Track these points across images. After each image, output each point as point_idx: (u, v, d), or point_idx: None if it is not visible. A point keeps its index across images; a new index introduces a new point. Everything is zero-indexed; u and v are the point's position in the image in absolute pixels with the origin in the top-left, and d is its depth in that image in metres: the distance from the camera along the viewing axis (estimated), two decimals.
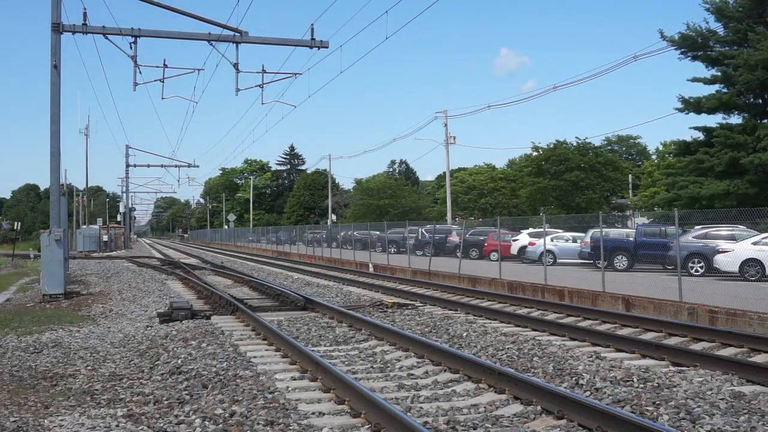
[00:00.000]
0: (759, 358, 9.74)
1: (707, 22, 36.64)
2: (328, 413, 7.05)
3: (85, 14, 20.52)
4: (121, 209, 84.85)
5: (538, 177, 51.55)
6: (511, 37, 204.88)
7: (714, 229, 22.49)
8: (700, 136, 37.29)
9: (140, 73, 22.60)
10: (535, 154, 54.13)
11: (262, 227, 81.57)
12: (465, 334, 11.96)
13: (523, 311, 15.26)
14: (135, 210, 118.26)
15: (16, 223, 64.36)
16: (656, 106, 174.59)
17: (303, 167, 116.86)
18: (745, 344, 10.52)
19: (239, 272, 27.58)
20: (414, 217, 65.55)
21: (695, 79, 37.07)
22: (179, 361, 9.71)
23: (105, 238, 60.26)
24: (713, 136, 35.08)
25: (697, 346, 10.73)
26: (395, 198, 74.58)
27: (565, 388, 7.82)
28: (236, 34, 21.62)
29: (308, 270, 30.63)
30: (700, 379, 8.32)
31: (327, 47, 22.49)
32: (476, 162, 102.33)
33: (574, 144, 51.90)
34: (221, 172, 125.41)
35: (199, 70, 24.33)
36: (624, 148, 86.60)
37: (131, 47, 21.42)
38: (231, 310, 15.02)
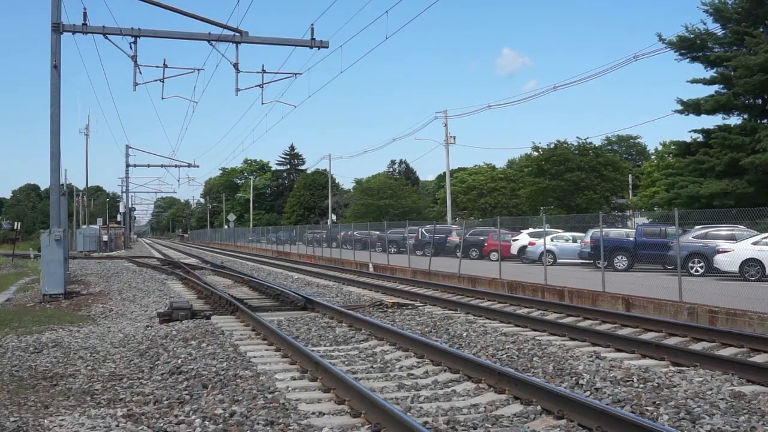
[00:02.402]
0: (759, 358, 9.74)
1: (705, 24, 36.70)
2: (328, 413, 7.05)
3: (85, 14, 20.55)
4: (121, 209, 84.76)
5: (538, 177, 51.55)
6: (514, 37, 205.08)
7: (714, 229, 22.48)
8: (699, 137, 37.31)
9: (140, 73, 22.62)
10: (535, 154, 54.12)
11: (262, 227, 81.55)
12: (465, 334, 11.95)
13: (523, 311, 15.26)
14: (135, 210, 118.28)
15: (16, 223, 64.31)
16: (656, 106, 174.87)
17: (303, 167, 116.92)
18: (745, 344, 10.52)
19: (239, 272, 27.57)
20: (414, 217, 65.55)
21: (694, 81, 37.11)
22: (179, 361, 9.71)
23: (105, 238, 60.26)
24: (712, 137, 35.08)
25: (697, 346, 10.72)
26: (395, 198, 74.58)
27: (565, 388, 7.81)
28: (236, 34, 21.62)
29: (308, 270, 30.63)
30: (700, 379, 8.31)
31: (327, 47, 22.49)
32: (476, 162, 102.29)
33: (575, 144, 51.92)
34: (221, 172, 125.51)
35: (199, 70, 24.36)
36: (624, 148, 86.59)
37: (131, 47, 21.44)
38: (231, 310, 15.02)
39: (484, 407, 7.23)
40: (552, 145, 51.72)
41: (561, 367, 9.02)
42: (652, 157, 77.10)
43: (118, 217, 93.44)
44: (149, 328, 13.35)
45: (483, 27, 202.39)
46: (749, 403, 7.19)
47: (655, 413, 6.81)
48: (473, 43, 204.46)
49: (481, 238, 34.56)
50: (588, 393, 7.69)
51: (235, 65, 22.79)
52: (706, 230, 22.47)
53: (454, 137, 51.03)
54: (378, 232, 41.11)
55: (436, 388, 8.21)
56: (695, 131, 37.39)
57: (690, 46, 36.45)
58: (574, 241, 28.80)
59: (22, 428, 6.65)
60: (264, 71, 24.20)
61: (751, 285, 17.92)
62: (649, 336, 11.73)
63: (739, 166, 32.82)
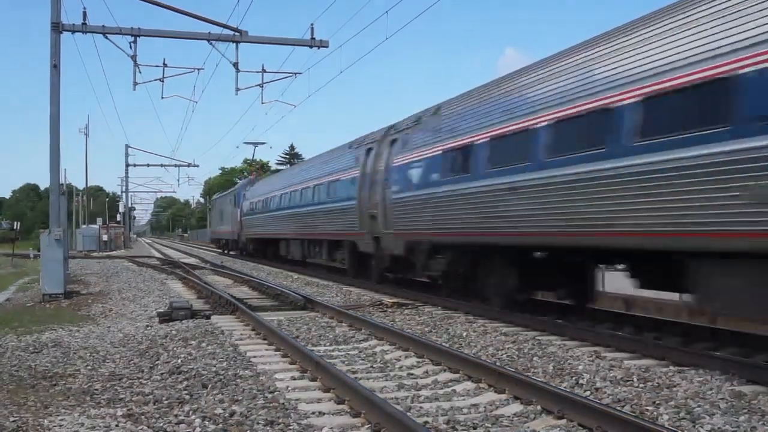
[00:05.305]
0: (759, 358, 9.72)
1: None
2: (328, 413, 7.04)
3: (84, 14, 20.59)
4: (121, 209, 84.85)
5: None
6: (516, 37, 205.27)
7: None
8: None
9: (140, 72, 22.70)
10: None
11: None
12: (465, 333, 11.95)
13: None
14: (135, 209, 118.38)
15: (15, 222, 64.21)
16: None
17: None
18: (745, 344, 10.51)
19: (239, 272, 27.56)
20: None
21: None
22: (179, 361, 9.70)
23: (105, 237, 60.33)
24: None
25: (697, 346, 10.71)
26: None
27: (565, 387, 7.81)
28: (236, 33, 21.63)
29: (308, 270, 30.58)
30: (700, 378, 8.31)
31: (327, 47, 22.51)
32: None
33: None
34: (221, 171, 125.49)
35: (199, 69, 24.44)
36: None
37: (131, 47, 21.48)
38: (231, 310, 15.02)
39: (484, 407, 7.22)
40: None
41: (561, 366, 9.02)
42: None
43: (118, 217, 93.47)
44: (149, 327, 13.34)
45: (485, 26, 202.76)
46: (749, 402, 7.19)
47: (655, 413, 6.81)
48: (475, 43, 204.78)
49: None
50: (588, 393, 7.68)
51: (235, 65, 22.83)
52: None
53: None
54: None
55: (436, 387, 8.20)
56: None
57: None
58: None
59: (22, 428, 6.64)
60: (264, 71, 24.30)
61: None
62: (649, 336, 11.72)
63: None
